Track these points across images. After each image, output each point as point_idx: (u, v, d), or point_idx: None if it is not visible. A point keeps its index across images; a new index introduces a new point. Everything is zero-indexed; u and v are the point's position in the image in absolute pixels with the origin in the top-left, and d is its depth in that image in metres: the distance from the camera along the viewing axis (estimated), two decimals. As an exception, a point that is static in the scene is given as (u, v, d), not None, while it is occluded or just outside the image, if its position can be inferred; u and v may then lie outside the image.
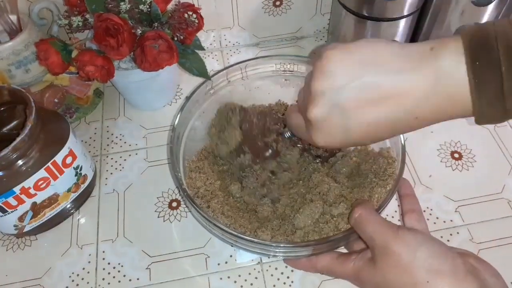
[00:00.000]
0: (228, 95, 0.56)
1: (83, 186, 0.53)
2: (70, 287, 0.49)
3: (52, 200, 0.50)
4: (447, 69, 0.28)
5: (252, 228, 0.45)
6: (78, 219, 0.54)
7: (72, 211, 0.54)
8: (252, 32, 0.72)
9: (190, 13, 0.51)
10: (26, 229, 0.50)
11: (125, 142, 0.61)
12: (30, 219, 0.49)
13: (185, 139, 0.51)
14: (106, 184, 0.57)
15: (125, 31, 0.48)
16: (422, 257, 0.35)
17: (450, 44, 0.28)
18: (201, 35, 0.63)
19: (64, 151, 0.48)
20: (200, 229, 0.51)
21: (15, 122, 0.51)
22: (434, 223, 0.52)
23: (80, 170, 0.51)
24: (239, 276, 0.49)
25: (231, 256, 0.50)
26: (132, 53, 0.51)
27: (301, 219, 0.45)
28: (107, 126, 0.63)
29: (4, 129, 0.51)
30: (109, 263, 0.50)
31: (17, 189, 0.45)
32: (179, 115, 0.49)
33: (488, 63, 0.27)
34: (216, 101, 0.55)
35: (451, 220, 0.52)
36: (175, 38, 0.53)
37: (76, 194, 0.53)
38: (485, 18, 0.60)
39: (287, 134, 0.47)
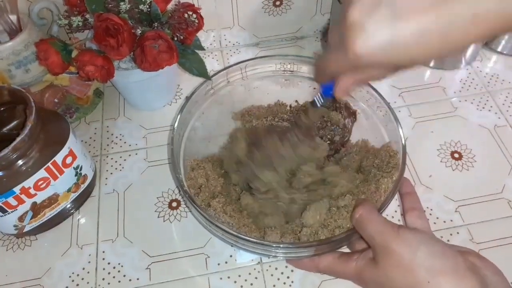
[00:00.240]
0: (228, 95, 0.56)
1: (83, 186, 0.53)
2: (70, 287, 0.49)
3: (52, 200, 0.50)
4: None
5: (260, 228, 0.45)
6: (78, 219, 0.54)
7: (72, 211, 0.54)
8: (252, 32, 0.72)
9: (190, 13, 0.51)
10: (26, 229, 0.50)
11: (125, 142, 0.61)
12: (30, 219, 0.49)
13: (185, 139, 0.51)
14: (106, 184, 0.57)
15: (125, 31, 0.48)
16: (422, 256, 0.35)
17: None
18: (201, 35, 0.63)
19: (64, 151, 0.48)
20: (200, 229, 0.51)
21: (15, 122, 0.51)
22: (434, 223, 0.52)
23: (80, 170, 0.51)
24: (239, 276, 0.49)
25: (231, 256, 0.50)
26: (132, 53, 0.51)
27: (310, 215, 0.45)
28: (107, 126, 0.63)
29: (4, 129, 0.51)
30: (109, 263, 0.50)
31: (17, 189, 0.45)
32: (179, 116, 0.49)
33: None
34: (216, 102, 0.55)
35: (451, 220, 0.52)
36: (175, 38, 0.53)
37: (76, 194, 0.53)
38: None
39: (318, 98, 0.42)
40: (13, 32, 0.57)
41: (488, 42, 0.70)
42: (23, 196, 0.46)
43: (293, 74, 0.56)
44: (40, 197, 0.48)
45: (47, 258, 0.51)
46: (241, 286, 0.48)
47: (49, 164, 0.46)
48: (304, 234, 0.43)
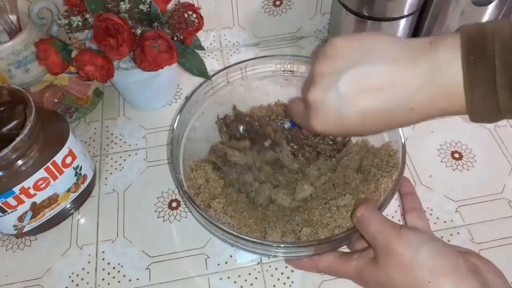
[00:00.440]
0: (228, 95, 0.56)
1: (82, 186, 0.53)
2: (70, 287, 0.49)
3: (52, 200, 0.50)
4: (443, 61, 0.28)
5: (260, 228, 0.45)
6: (78, 219, 0.54)
7: (71, 211, 0.54)
8: (252, 32, 0.72)
9: (190, 13, 0.51)
10: (26, 229, 0.50)
11: (124, 142, 0.61)
12: (30, 219, 0.49)
13: (184, 139, 0.51)
14: (105, 184, 0.57)
15: (125, 31, 0.48)
16: (424, 256, 0.35)
17: (449, 39, 0.29)
18: (201, 35, 0.63)
19: (63, 151, 0.48)
20: (200, 229, 0.51)
21: (14, 122, 0.51)
22: (435, 223, 0.52)
23: (80, 170, 0.51)
24: (239, 276, 0.49)
25: (231, 256, 0.50)
26: (132, 53, 0.51)
27: (309, 214, 0.45)
28: (107, 126, 0.63)
29: (4, 129, 0.51)
30: (109, 263, 0.50)
31: (16, 189, 0.45)
32: (178, 116, 0.49)
33: (482, 58, 0.27)
34: (216, 102, 0.55)
35: (452, 220, 0.52)
36: (175, 38, 0.53)
37: (76, 194, 0.53)
38: (485, 18, 0.60)
39: (287, 124, 0.48)
40: (13, 32, 0.57)
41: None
42: (22, 196, 0.46)
43: (292, 74, 0.56)
44: (40, 197, 0.48)
45: (47, 258, 0.51)
46: (241, 286, 0.48)
47: (48, 164, 0.46)
48: (304, 233, 0.43)
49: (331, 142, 0.54)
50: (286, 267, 0.49)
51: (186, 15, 0.51)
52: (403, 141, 0.46)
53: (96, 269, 0.50)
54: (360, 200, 0.43)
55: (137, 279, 0.49)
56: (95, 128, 0.63)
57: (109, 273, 0.49)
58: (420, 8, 0.59)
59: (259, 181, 0.51)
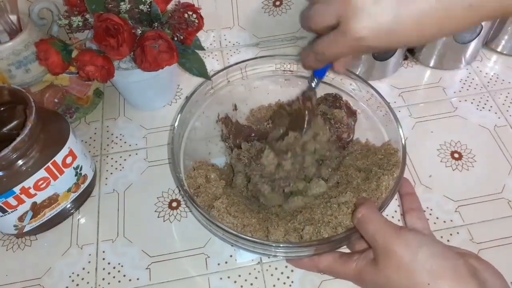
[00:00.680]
0: (228, 95, 0.56)
1: (83, 186, 0.53)
2: (70, 287, 0.49)
3: (52, 200, 0.50)
4: None
5: (263, 227, 0.45)
6: (78, 219, 0.54)
7: (72, 211, 0.54)
8: (252, 32, 0.72)
9: (190, 13, 0.51)
10: (26, 229, 0.50)
11: (125, 142, 0.61)
12: (30, 219, 0.49)
13: (185, 139, 0.51)
14: (106, 184, 0.57)
15: (125, 31, 0.48)
16: (423, 258, 0.35)
17: None
18: (201, 35, 0.63)
19: (64, 151, 0.48)
20: (200, 229, 0.51)
21: (15, 122, 0.51)
22: (434, 223, 0.52)
23: (80, 170, 0.51)
24: (239, 276, 0.49)
25: (231, 256, 0.50)
26: (132, 53, 0.51)
27: (311, 213, 0.45)
28: (107, 126, 0.64)
29: (4, 129, 0.51)
30: (109, 263, 0.50)
31: (17, 189, 0.45)
32: (179, 116, 0.49)
33: None
34: (216, 102, 0.55)
35: (451, 220, 0.52)
36: (175, 38, 0.53)
37: (76, 194, 0.53)
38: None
39: (312, 80, 0.45)
40: (13, 32, 0.57)
41: (488, 42, 0.70)
42: (23, 196, 0.46)
43: (293, 74, 0.56)
44: (40, 197, 0.48)
45: (47, 258, 0.51)
46: (241, 286, 0.48)
47: (49, 164, 0.46)
48: (306, 232, 0.43)
49: (335, 139, 0.54)
50: (286, 266, 0.49)
51: (186, 15, 0.51)
52: (403, 141, 0.46)
53: (96, 269, 0.50)
54: (361, 200, 0.43)
55: (137, 278, 0.49)
56: (96, 128, 0.63)
57: (109, 273, 0.50)
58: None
59: (272, 188, 0.50)
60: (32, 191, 0.46)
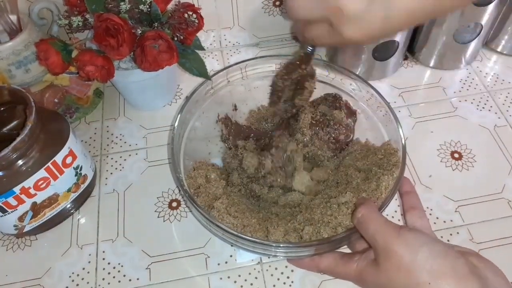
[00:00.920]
0: (228, 95, 0.57)
1: (83, 186, 0.53)
2: (70, 287, 0.49)
3: (52, 200, 0.50)
4: None
5: (263, 228, 0.45)
6: (78, 219, 0.54)
7: (72, 211, 0.54)
8: (252, 32, 0.72)
9: (190, 13, 0.52)
10: (26, 229, 0.50)
11: (125, 142, 0.62)
12: (30, 219, 0.49)
13: (185, 139, 0.51)
14: (106, 184, 0.57)
15: (125, 31, 0.48)
16: (423, 258, 0.34)
17: None
18: (201, 35, 0.63)
19: (64, 151, 0.48)
20: (200, 229, 0.51)
21: (15, 122, 0.51)
22: (434, 223, 0.52)
23: (80, 170, 0.51)
24: (239, 276, 0.49)
25: (231, 256, 0.50)
26: (132, 53, 0.51)
27: (310, 213, 0.45)
28: (107, 126, 0.64)
29: (4, 129, 0.51)
30: (109, 263, 0.50)
31: (17, 189, 0.45)
32: (179, 115, 0.49)
33: None
34: (216, 102, 0.55)
35: (451, 220, 0.52)
36: (175, 38, 0.53)
37: (76, 194, 0.53)
38: (485, 18, 0.60)
39: (309, 49, 0.45)
40: (13, 32, 0.57)
41: (488, 42, 0.70)
42: (23, 196, 0.46)
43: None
44: (40, 197, 0.48)
45: (47, 258, 0.51)
46: (241, 286, 0.48)
47: (49, 164, 0.46)
48: (306, 232, 0.43)
49: (333, 141, 0.54)
50: (286, 266, 0.49)
51: (186, 15, 0.51)
52: (403, 141, 0.46)
53: (96, 269, 0.50)
54: (361, 200, 0.43)
55: (137, 278, 0.49)
56: (96, 128, 0.63)
57: (109, 273, 0.50)
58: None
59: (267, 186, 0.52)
60: (32, 191, 0.46)
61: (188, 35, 0.53)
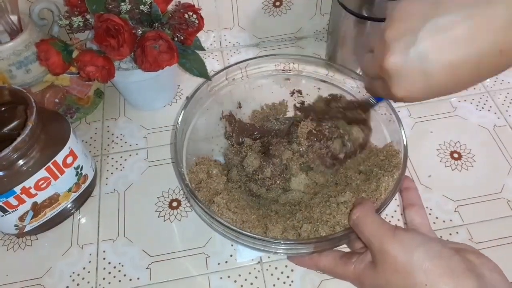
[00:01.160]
0: (229, 95, 0.57)
1: (83, 186, 0.53)
2: (71, 287, 0.49)
3: (53, 200, 0.50)
4: None
5: (262, 224, 0.46)
6: (79, 219, 0.54)
7: (72, 211, 0.54)
8: (252, 32, 0.72)
9: (191, 13, 0.52)
10: (27, 228, 0.50)
11: (125, 142, 0.62)
12: (31, 219, 0.49)
13: (187, 139, 0.51)
14: (106, 184, 0.57)
15: (126, 32, 0.48)
16: (419, 258, 0.34)
17: None
18: (201, 35, 0.63)
19: (64, 151, 0.48)
20: (200, 229, 0.52)
21: (15, 122, 0.51)
22: (434, 222, 0.52)
23: (81, 170, 0.52)
24: (239, 275, 0.49)
25: (231, 255, 0.50)
26: (132, 53, 0.51)
27: (310, 211, 0.46)
28: (108, 126, 0.64)
29: (5, 129, 0.51)
30: (109, 263, 0.50)
31: (17, 189, 0.45)
32: (183, 111, 0.49)
33: None
34: (217, 102, 0.55)
35: (451, 220, 0.52)
36: (176, 39, 0.53)
37: (77, 194, 0.53)
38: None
39: (373, 101, 0.46)
40: (14, 32, 0.58)
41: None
42: (23, 196, 0.46)
43: (293, 73, 0.56)
44: (41, 197, 0.48)
45: (48, 258, 0.51)
46: (241, 286, 0.48)
47: (49, 164, 0.47)
48: (304, 230, 0.43)
49: (331, 156, 0.53)
50: (286, 266, 0.49)
51: (186, 15, 0.51)
52: (405, 142, 0.46)
53: (97, 269, 0.50)
54: (359, 200, 0.43)
55: (138, 278, 0.49)
56: (96, 128, 0.63)
57: (109, 273, 0.50)
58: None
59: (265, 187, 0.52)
60: (32, 191, 0.47)
61: (189, 36, 0.53)
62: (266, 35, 0.73)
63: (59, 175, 0.48)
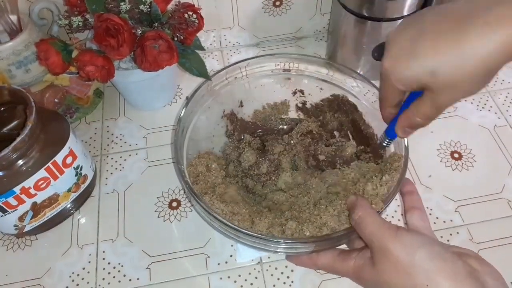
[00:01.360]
0: (230, 94, 0.56)
1: (83, 186, 0.53)
2: (70, 287, 0.49)
3: (52, 200, 0.50)
4: None
5: (251, 218, 0.45)
6: (78, 219, 0.54)
7: (72, 211, 0.54)
8: (252, 32, 0.72)
9: (190, 13, 0.52)
10: (26, 229, 0.50)
11: (125, 142, 0.62)
12: (30, 219, 0.49)
13: (187, 139, 0.51)
14: (106, 184, 0.57)
15: (125, 31, 0.48)
16: (421, 259, 0.34)
17: None
18: (201, 35, 0.63)
19: (64, 151, 0.48)
20: (200, 229, 0.51)
21: (15, 122, 0.51)
22: (434, 223, 0.52)
23: (80, 170, 0.52)
24: (239, 276, 0.49)
25: (231, 256, 0.50)
26: (132, 53, 0.51)
27: (299, 211, 0.46)
28: (107, 126, 0.64)
29: (5, 129, 0.51)
30: (109, 263, 0.50)
31: (17, 189, 0.45)
32: (184, 109, 0.49)
33: None
34: (217, 101, 0.55)
35: (451, 220, 0.52)
36: (175, 38, 0.53)
37: (76, 194, 0.53)
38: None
39: (385, 142, 0.47)
40: (14, 32, 0.57)
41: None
42: (23, 196, 0.46)
43: (294, 73, 0.56)
44: (40, 197, 0.48)
45: (48, 258, 0.51)
46: (241, 286, 0.48)
47: (49, 164, 0.47)
48: (288, 227, 0.43)
49: (316, 159, 0.54)
50: (286, 266, 0.49)
51: (186, 15, 0.51)
52: (406, 144, 0.46)
53: (96, 269, 0.50)
54: (351, 199, 0.43)
55: (138, 278, 0.49)
56: (96, 128, 0.63)
57: (109, 273, 0.50)
58: (420, 8, 0.59)
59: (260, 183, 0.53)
60: (32, 191, 0.47)
61: (188, 35, 0.53)
62: (266, 34, 0.73)
63: (58, 175, 0.48)
